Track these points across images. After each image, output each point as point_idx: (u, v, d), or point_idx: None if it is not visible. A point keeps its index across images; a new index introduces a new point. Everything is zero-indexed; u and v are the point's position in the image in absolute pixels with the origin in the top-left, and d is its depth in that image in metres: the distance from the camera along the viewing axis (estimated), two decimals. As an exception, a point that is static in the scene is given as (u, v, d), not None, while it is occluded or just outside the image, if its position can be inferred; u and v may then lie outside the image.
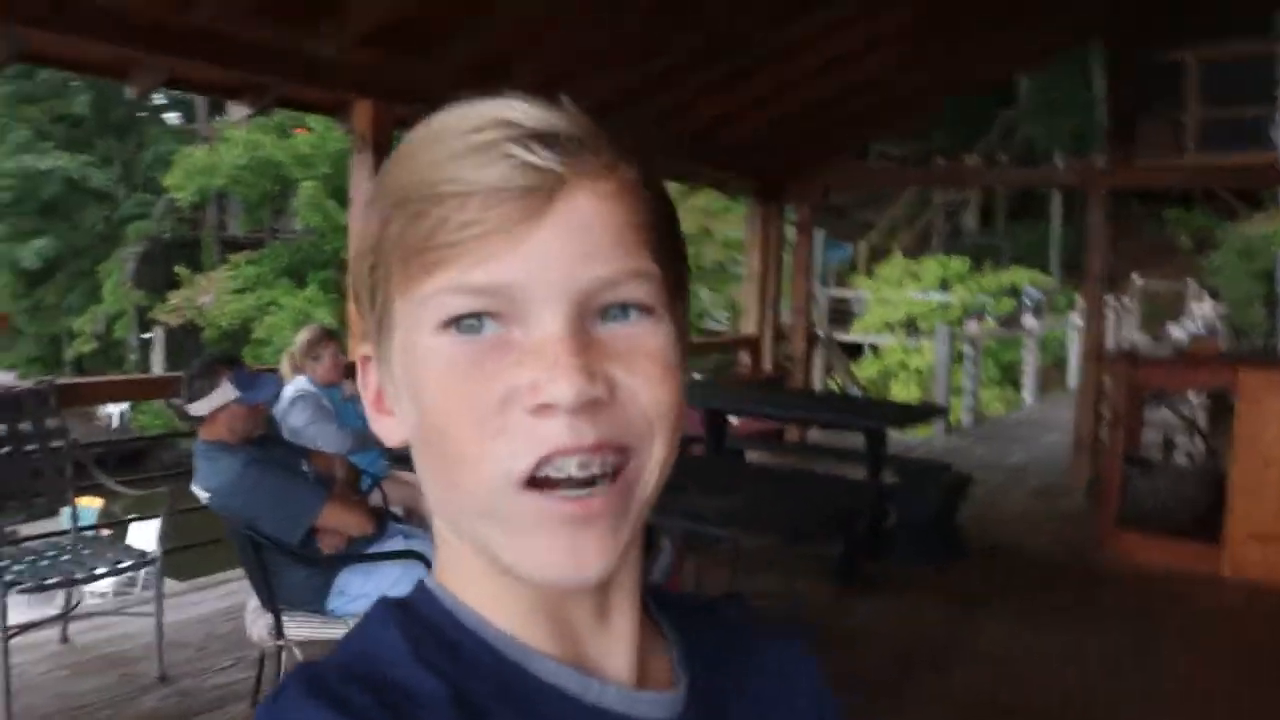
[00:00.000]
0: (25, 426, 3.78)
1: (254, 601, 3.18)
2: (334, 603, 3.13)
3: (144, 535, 5.60)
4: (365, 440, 4.09)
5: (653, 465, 0.54)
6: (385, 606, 0.57)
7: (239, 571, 3.73)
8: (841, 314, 17.45)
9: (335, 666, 0.52)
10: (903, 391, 14.31)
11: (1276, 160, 10.64)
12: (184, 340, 18.06)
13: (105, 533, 5.02)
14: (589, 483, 0.51)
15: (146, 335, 20.24)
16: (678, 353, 0.55)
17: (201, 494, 3.12)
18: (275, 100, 5.26)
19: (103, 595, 6.60)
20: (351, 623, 2.94)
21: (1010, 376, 14.88)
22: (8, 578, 3.33)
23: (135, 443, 15.22)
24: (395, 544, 3.21)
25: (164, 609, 3.79)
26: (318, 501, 3.09)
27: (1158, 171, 10.08)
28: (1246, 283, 13.24)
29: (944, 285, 15.98)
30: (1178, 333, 11.23)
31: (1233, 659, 4.57)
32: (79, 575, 3.60)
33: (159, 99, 23.50)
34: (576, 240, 0.51)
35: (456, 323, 0.51)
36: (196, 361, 3.36)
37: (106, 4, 4.12)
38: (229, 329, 17.06)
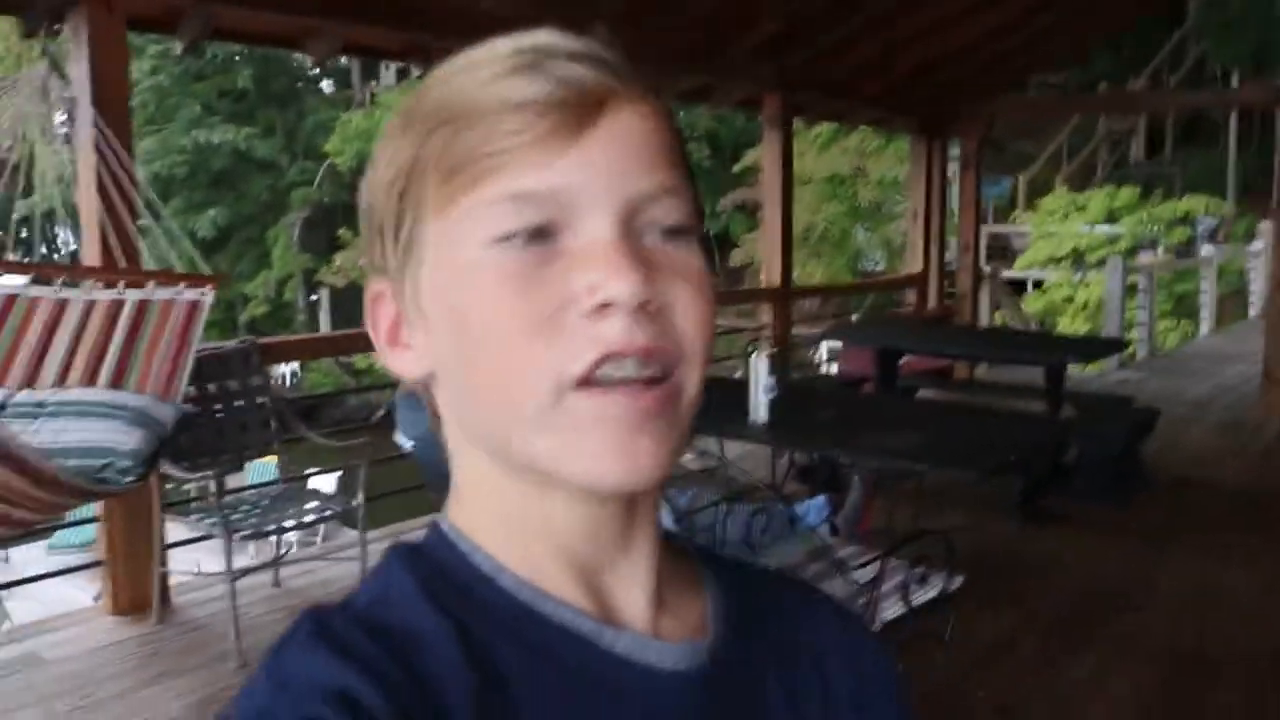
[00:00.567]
0: (232, 384, 3.98)
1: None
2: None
3: (324, 487, 5.91)
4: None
5: (694, 381, 0.54)
6: (399, 551, 0.58)
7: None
8: (1001, 250, 16.94)
9: (344, 611, 0.53)
10: (1070, 326, 13.84)
11: None
12: (348, 300, 18.69)
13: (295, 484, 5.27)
14: (646, 383, 0.51)
15: (314, 297, 21.06)
16: (711, 276, 0.56)
17: (405, 443, 3.24)
18: (440, 58, 5.36)
19: (308, 544, 6.93)
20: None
21: (1185, 308, 14.23)
22: (231, 526, 3.53)
23: (310, 400, 15.88)
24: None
25: (368, 555, 3.97)
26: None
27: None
28: None
29: (1111, 217, 15.34)
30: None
31: None
32: (290, 523, 3.80)
33: (313, 69, 24.21)
34: (625, 150, 0.52)
35: (510, 236, 0.51)
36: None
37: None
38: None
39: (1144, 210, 15.48)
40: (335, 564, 4.43)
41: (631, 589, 0.58)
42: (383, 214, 0.56)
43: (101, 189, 3.60)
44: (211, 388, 3.92)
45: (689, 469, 3.34)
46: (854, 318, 10.94)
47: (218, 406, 3.90)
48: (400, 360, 0.58)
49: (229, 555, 3.45)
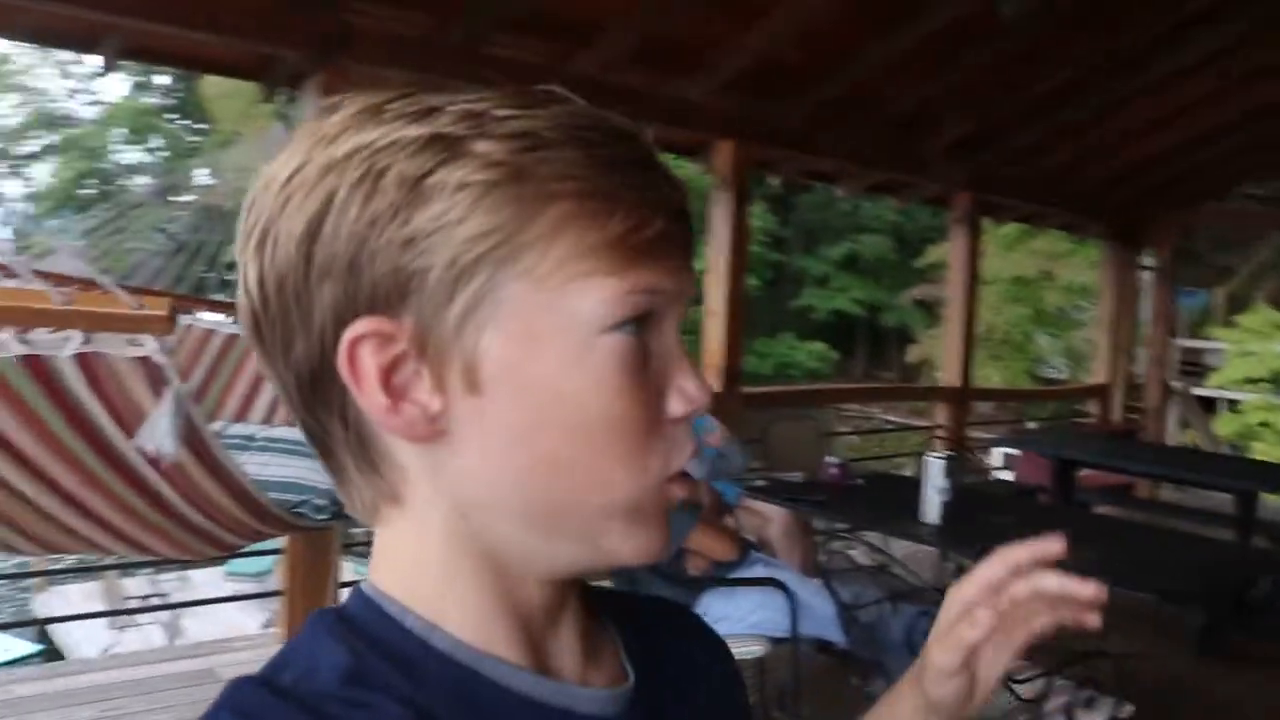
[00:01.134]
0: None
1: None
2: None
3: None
4: (717, 469, 4.21)
5: None
6: (322, 620, 0.56)
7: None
8: (1194, 366, 16.21)
9: (272, 686, 0.51)
10: (1269, 452, 13.10)
11: None
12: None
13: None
14: None
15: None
16: None
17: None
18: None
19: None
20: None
21: None
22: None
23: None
24: (756, 571, 3.30)
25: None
26: (689, 524, 3.23)
27: None
28: None
29: (1323, 337, 14.53)
30: None
31: None
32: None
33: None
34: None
35: (625, 325, 0.53)
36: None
37: (507, 55, 4.51)
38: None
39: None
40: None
41: (566, 641, 0.60)
42: (437, 255, 0.51)
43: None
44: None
45: (855, 563, 3.33)
46: (1031, 425, 10.63)
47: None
48: (408, 419, 0.53)
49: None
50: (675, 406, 0.54)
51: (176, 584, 11.65)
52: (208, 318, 3.51)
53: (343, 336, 0.52)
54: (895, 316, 24.65)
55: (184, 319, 3.27)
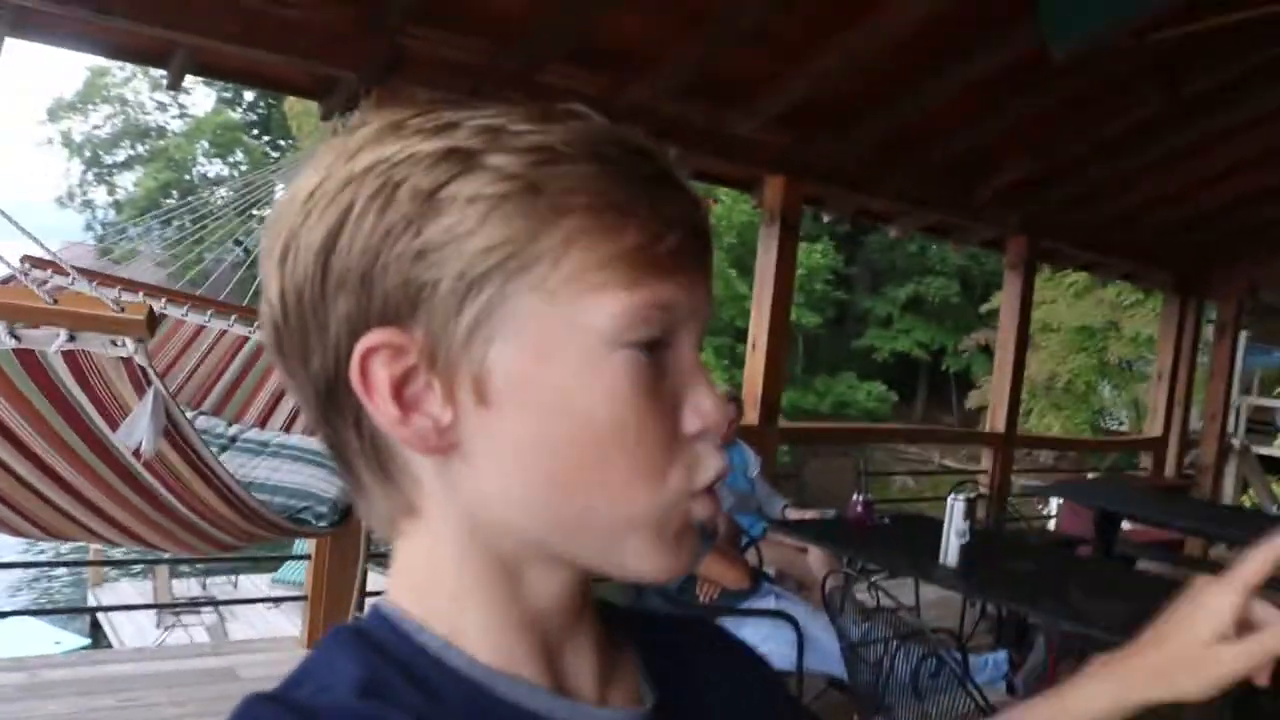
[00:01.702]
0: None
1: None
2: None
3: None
4: (746, 501, 4.23)
5: None
6: (338, 637, 0.55)
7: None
8: (1266, 425, 15.84)
9: (285, 701, 0.50)
10: (1333, 519, 12.76)
11: None
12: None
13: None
14: None
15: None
16: None
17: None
18: (694, 173, 5.61)
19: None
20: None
21: None
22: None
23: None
24: (766, 603, 3.31)
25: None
26: (702, 550, 3.24)
27: None
28: None
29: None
30: None
31: None
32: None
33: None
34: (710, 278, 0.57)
35: (640, 343, 0.52)
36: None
37: (560, 84, 4.59)
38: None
39: None
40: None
41: (583, 659, 0.59)
42: (447, 267, 0.51)
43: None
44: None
45: (861, 603, 3.32)
46: (1090, 476, 10.47)
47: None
48: (417, 430, 0.53)
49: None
50: (690, 423, 0.54)
51: (226, 588, 11.88)
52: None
53: (355, 348, 0.52)
54: (957, 361, 24.37)
55: (218, 323, 3.37)
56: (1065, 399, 17.71)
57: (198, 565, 11.66)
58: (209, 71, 4.70)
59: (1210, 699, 0.74)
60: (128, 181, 35.83)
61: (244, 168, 34.73)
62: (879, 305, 27.97)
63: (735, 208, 18.24)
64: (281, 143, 35.92)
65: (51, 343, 1.89)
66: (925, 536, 3.70)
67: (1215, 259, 8.36)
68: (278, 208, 0.56)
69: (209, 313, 3.47)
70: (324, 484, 2.91)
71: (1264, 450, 13.78)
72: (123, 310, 1.90)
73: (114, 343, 1.91)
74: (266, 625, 10.34)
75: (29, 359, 1.90)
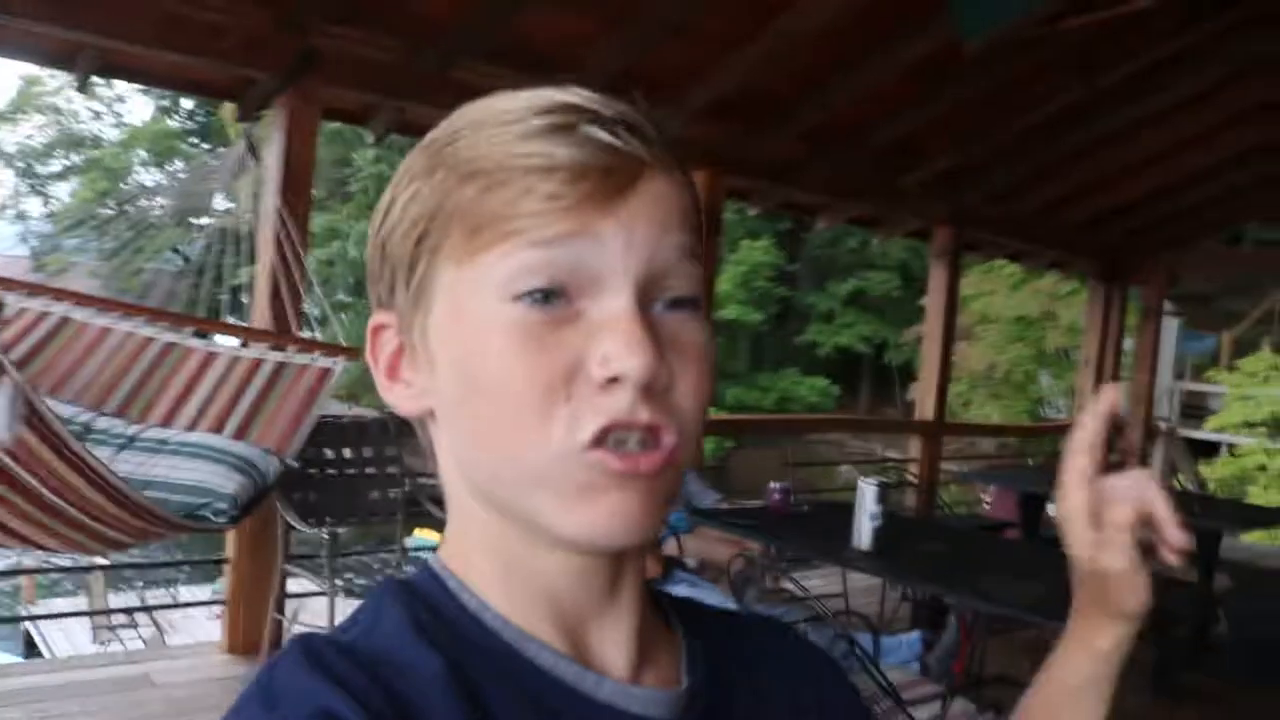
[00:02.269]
0: (367, 451, 4.22)
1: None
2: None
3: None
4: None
5: (687, 452, 0.55)
6: (389, 585, 0.58)
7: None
8: (1197, 409, 16.19)
9: (334, 641, 0.53)
10: (1262, 496, 13.04)
11: None
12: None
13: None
14: (643, 453, 0.53)
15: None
16: (713, 350, 0.58)
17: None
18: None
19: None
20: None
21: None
22: (339, 583, 3.72)
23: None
24: (679, 590, 3.33)
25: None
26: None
27: None
28: None
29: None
30: None
31: None
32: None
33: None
34: (654, 217, 0.54)
35: (529, 291, 0.52)
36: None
37: (478, 82, 4.58)
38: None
39: (1358, 380, 14.55)
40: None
41: (614, 638, 0.59)
42: (397, 252, 0.57)
43: (273, 265, 3.93)
44: (346, 452, 4.17)
45: (764, 587, 3.35)
46: (1030, 462, 10.63)
47: (350, 470, 4.15)
48: (399, 395, 0.59)
49: (332, 610, 3.63)
50: (593, 373, 0.52)
51: (167, 600, 11.71)
52: (221, 340, 3.63)
53: (368, 327, 0.60)
54: (899, 354, 24.61)
55: (125, 325, 3.34)
56: (1004, 389, 17.95)
57: (136, 579, 11.51)
58: (119, 73, 4.65)
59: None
60: (63, 192, 35.20)
61: (183, 176, 34.28)
62: (821, 301, 28.14)
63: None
64: (221, 149, 35.50)
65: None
66: (842, 522, 3.74)
67: (1138, 246, 8.53)
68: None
69: (116, 314, 3.43)
70: (223, 480, 2.90)
71: (1196, 434, 14.08)
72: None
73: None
74: (208, 637, 10.18)
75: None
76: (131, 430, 3.06)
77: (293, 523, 3.74)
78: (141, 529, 2.60)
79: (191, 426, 3.17)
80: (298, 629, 4.06)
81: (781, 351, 28.07)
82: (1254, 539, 8.75)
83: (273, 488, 3.20)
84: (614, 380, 0.52)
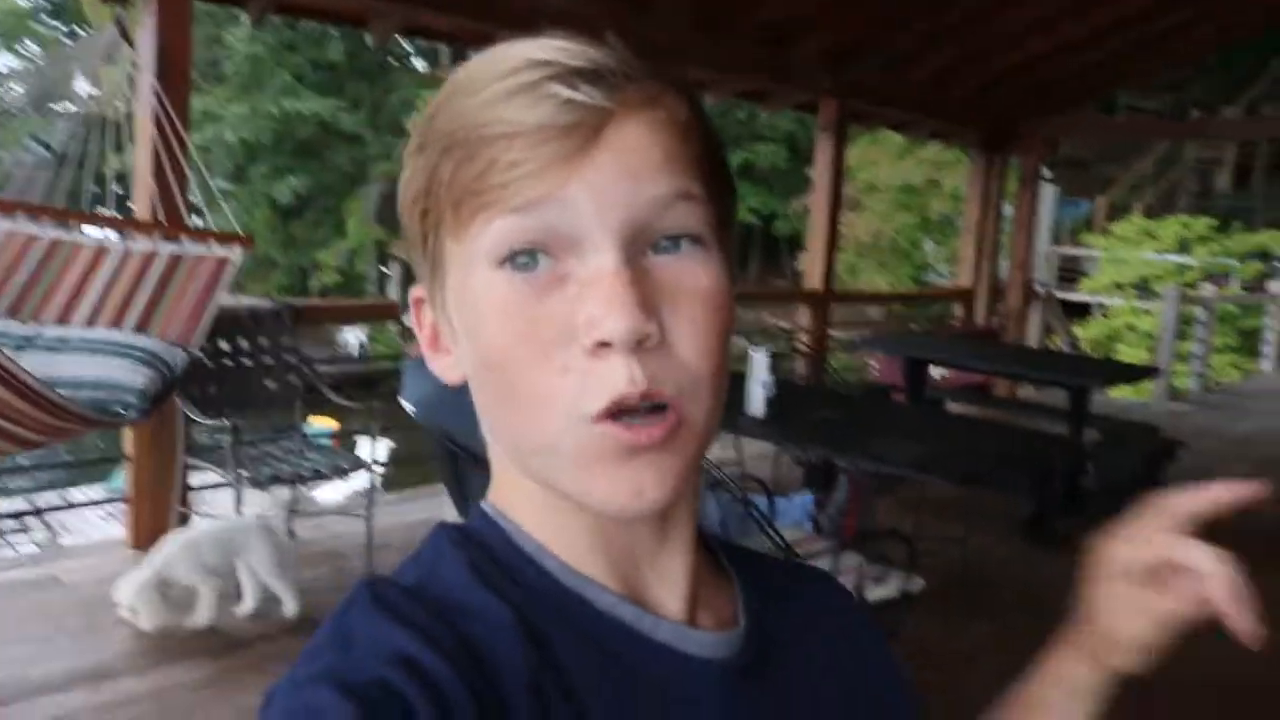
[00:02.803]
0: (263, 341, 4.20)
1: (450, 508, 3.48)
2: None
3: (369, 451, 6.12)
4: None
5: (702, 407, 0.54)
6: (445, 531, 0.60)
7: (441, 486, 4.06)
8: (1073, 272, 16.77)
9: (399, 584, 0.54)
10: (1130, 354, 13.69)
11: None
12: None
13: (329, 443, 5.49)
14: (649, 416, 0.52)
15: (384, 269, 21.53)
16: (726, 288, 0.56)
17: (408, 406, 3.42)
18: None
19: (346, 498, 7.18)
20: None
21: (1251, 344, 13.99)
22: (246, 474, 3.75)
23: (374, 367, 16.23)
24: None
25: (376, 514, 4.16)
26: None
27: None
28: None
29: (1184, 246, 15.11)
30: None
31: None
32: (305, 474, 4.00)
33: (406, 47, 24.68)
34: (626, 168, 0.52)
35: (512, 259, 0.52)
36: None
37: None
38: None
39: (1219, 242, 15.21)
40: (348, 520, 4.64)
41: (668, 581, 0.60)
42: (410, 229, 0.58)
43: (155, 152, 3.83)
44: (243, 342, 4.15)
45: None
46: (914, 327, 10.97)
47: (246, 361, 4.13)
48: (441, 364, 0.60)
49: (238, 501, 3.66)
50: (582, 337, 0.51)
51: (57, 501, 11.49)
52: (90, 231, 3.51)
53: (410, 298, 0.62)
54: (787, 224, 24.87)
55: (3, 224, 3.25)
56: (890, 257, 18.34)
57: (25, 481, 11.25)
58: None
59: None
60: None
61: (41, 62, 32.45)
62: (711, 175, 28.14)
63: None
64: (78, 29, 33.59)
65: None
66: (735, 391, 3.88)
67: (1017, 116, 8.71)
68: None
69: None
70: (130, 374, 2.89)
71: (1071, 296, 14.63)
72: None
73: None
74: (104, 536, 10.06)
75: None
76: (27, 330, 3.01)
77: (192, 415, 3.74)
78: (57, 427, 2.59)
79: (90, 323, 3.13)
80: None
81: (672, 227, 28.09)
82: (1120, 394, 9.21)
83: (180, 380, 3.19)
84: (604, 344, 0.51)
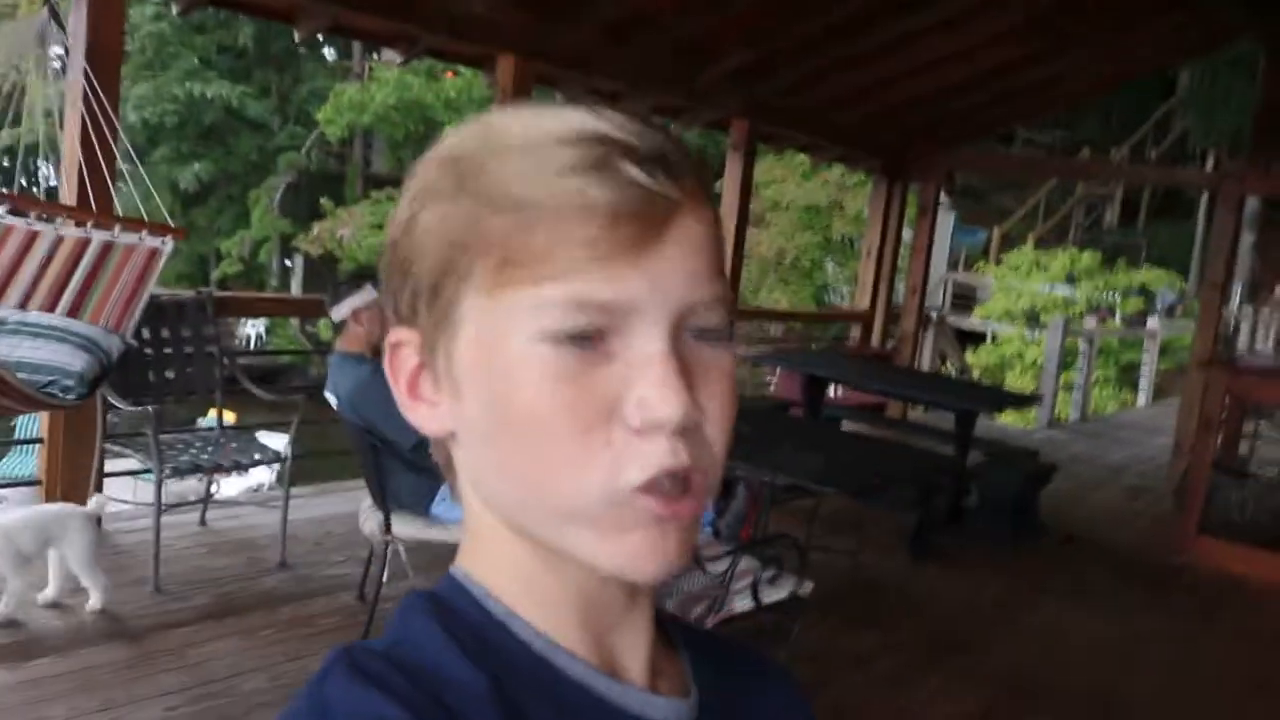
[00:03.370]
0: (185, 330, 4.26)
1: (368, 501, 3.59)
2: (437, 508, 3.53)
3: (271, 443, 6.16)
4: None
5: (713, 484, 0.56)
6: (418, 598, 0.59)
7: (357, 482, 4.16)
8: (967, 299, 17.34)
9: (375, 652, 0.54)
10: (1018, 382, 14.25)
11: None
12: (322, 269, 18.86)
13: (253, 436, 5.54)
14: (681, 491, 0.53)
15: (288, 262, 21.24)
16: (734, 372, 0.58)
17: (332, 399, 3.53)
18: (425, 50, 5.67)
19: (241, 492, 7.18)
20: (451, 527, 3.32)
21: (1129, 377, 14.68)
22: (166, 462, 3.81)
23: (272, 361, 16.06)
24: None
25: (289, 507, 4.24)
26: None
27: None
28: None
29: (1071, 279, 15.77)
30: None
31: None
32: (225, 465, 4.07)
33: (318, 36, 24.43)
34: (690, 263, 0.53)
35: (567, 336, 0.51)
36: (347, 275, 3.78)
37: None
38: (366, 262, 17.75)
39: (1104, 277, 15.92)
40: (261, 512, 4.71)
41: (632, 645, 0.60)
42: (421, 271, 0.56)
43: (85, 136, 3.87)
44: (165, 331, 4.20)
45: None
46: (814, 347, 11.28)
47: (168, 349, 4.19)
48: (422, 414, 0.58)
49: (159, 489, 3.72)
50: (632, 416, 0.51)
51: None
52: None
53: (386, 340, 0.59)
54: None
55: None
56: (792, 275, 18.69)
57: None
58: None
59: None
60: None
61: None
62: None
63: (477, 81, 18.06)
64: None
65: None
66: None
67: (918, 145, 9.08)
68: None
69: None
70: (69, 358, 2.96)
71: (964, 323, 15.18)
72: None
73: None
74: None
75: None
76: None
77: (114, 401, 3.79)
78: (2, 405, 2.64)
79: (22, 305, 3.17)
80: (113, 506, 4.12)
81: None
82: (1006, 420, 9.64)
83: (116, 365, 3.25)
84: (655, 425, 0.52)
